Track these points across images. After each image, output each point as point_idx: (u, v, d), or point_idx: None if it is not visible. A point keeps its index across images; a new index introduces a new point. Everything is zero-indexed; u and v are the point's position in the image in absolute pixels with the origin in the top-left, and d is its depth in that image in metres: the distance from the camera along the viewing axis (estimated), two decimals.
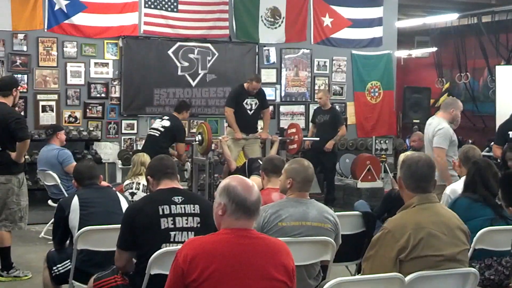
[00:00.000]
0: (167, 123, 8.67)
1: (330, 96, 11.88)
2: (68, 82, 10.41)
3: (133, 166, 6.84)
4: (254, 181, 3.02)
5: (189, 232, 3.73)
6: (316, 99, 10.74)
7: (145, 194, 6.44)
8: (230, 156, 8.78)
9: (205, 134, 8.74)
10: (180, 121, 8.85)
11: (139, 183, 6.62)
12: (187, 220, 3.76)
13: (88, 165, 5.03)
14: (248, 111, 9.30)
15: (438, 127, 6.68)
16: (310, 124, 10.78)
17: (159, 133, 8.62)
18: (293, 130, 9.81)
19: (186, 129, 10.35)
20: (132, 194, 6.57)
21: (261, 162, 8.51)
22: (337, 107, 12.20)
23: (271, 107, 11.41)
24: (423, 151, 8.52)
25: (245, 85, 9.30)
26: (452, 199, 4.79)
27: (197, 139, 8.92)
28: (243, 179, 2.91)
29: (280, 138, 9.60)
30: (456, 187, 5.12)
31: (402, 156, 4.92)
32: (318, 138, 10.05)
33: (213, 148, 9.53)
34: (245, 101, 9.29)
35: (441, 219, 3.28)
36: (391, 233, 3.19)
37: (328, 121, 10.18)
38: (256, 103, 9.37)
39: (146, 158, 6.74)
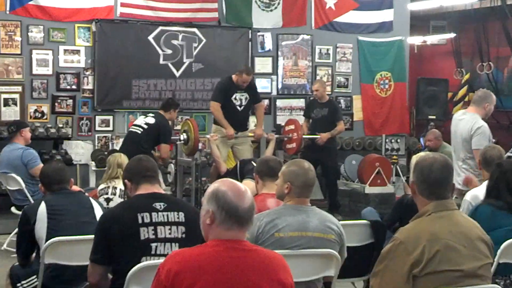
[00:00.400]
0: (151, 120, 8.69)
1: (334, 88, 11.92)
2: (34, 72, 10.40)
3: (108, 168, 6.83)
4: (247, 186, 3.03)
5: (173, 244, 3.73)
6: (313, 91, 10.62)
7: (123, 200, 6.44)
8: (219, 157, 8.77)
9: (191, 132, 8.71)
10: (166, 120, 8.87)
11: (116, 188, 6.61)
12: (170, 229, 3.76)
13: (57, 167, 5.01)
14: (238, 107, 9.24)
15: (476, 125, 6.67)
16: (303, 119, 10.64)
17: (141, 130, 8.63)
18: (292, 127, 9.81)
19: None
20: (108, 200, 6.56)
21: (255, 164, 8.58)
22: (341, 101, 12.22)
23: (266, 101, 11.44)
24: (440, 152, 8.58)
25: (234, 77, 9.20)
26: (473, 207, 4.80)
27: (181, 138, 8.90)
28: (235, 184, 2.91)
29: (276, 136, 9.60)
30: (478, 192, 5.12)
31: (415, 158, 4.92)
32: (319, 136, 10.03)
33: (200, 148, 9.52)
34: (234, 96, 9.20)
35: (460, 229, 3.28)
36: (403, 245, 3.19)
37: (326, 116, 10.14)
38: (246, 98, 9.30)
39: (123, 159, 6.73)
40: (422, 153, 5.83)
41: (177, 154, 9.23)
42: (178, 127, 10.89)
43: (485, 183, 4.98)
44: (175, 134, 9.79)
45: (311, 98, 10.63)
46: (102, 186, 6.78)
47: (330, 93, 11.83)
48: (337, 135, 10.40)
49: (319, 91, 10.18)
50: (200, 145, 9.58)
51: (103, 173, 7.09)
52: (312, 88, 10.65)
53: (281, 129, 10.37)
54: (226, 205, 2.81)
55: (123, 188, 6.28)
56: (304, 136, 9.86)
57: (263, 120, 9.77)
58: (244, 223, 2.83)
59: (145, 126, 8.63)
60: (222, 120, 9.07)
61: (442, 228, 3.24)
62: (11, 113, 10.22)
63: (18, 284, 4.60)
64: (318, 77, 12.03)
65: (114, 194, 6.61)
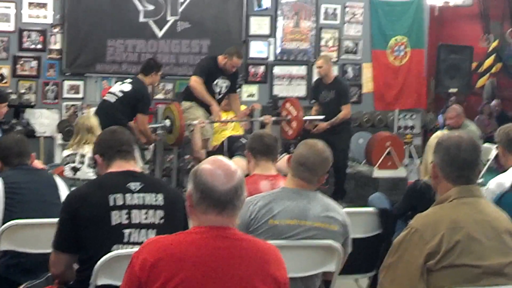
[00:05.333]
0: (127, 87, 8.62)
1: (341, 54, 11.89)
2: None
3: (76, 133, 6.82)
4: (237, 164, 3.00)
5: (149, 230, 3.73)
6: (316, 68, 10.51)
7: (92, 171, 6.44)
8: (200, 148, 8.71)
9: (176, 119, 8.58)
10: (145, 86, 8.80)
11: (84, 156, 6.63)
12: (146, 214, 3.76)
13: (16, 138, 5.01)
14: (216, 95, 9.18)
15: None
16: (313, 103, 10.58)
17: (115, 98, 8.57)
18: (288, 107, 9.70)
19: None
20: (75, 169, 6.59)
21: (243, 141, 8.58)
22: (349, 69, 12.19)
23: (262, 67, 11.43)
24: (461, 131, 8.57)
25: (220, 59, 9.12)
26: (497, 195, 4.80)
27: (164, 124, 8.80)
28: (221, 161, 2.91)
29: (273, 119, 9.50)
30: (503, 179, 5.13)
31: (435, 138, 4.91)
32: (323, 116, 9.95)
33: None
34: (216, 82, 9.15)
35: (486, 218, 3.28)
36: (419, 233, 3.19)
37: (334, 99, 10.00)
38: (227, 86, 9.26)
39: (93, 121, 6.74)
40: (440, 133, 5.83)
41: (158, 135, 9.16)
42: (159, 95, 10.89)
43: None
44: (155, 106, 9.77)
45: (317, 79, 10.50)
46: (67, 152, 6.77)
47: (336, 60, 11.80)
48: (338, 122, 10.05)
49: (322, 68, 10.01)
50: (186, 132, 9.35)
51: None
52: (316, 64, 10.49)
53: (277, 101, 10.34)
54: (201, 185, 2.82)
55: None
56: (305, 118, 9.77)
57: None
58: (222, 207, 2.81)
59: (120, 94, 8.57)
60: (206, 95, 8.96)
61: (465, 216, 3.24)
62: None
63: None
64: (323, 42, 12.01)
65: (82, 163, 6.63)
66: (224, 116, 9.30)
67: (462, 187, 3.32)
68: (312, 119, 10.00)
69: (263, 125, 9.23)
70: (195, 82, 9.04)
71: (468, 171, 3.33)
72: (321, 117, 9.91)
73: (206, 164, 2.87)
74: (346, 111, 10.00)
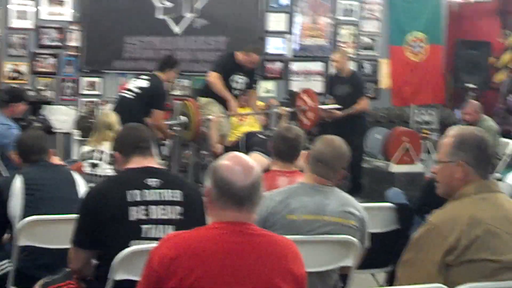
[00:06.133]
0: (144, 84, 8.63)
1: (358, 50, 11.86)
2: (11, 25, 10.42)
3: (95, 130, 6.86)
4: (254, 160, 3.00)
5: (167, 226, 3.73)
6: (332, 62, 10.52)
7: (110, 167, 6.47)
8: (216, 142, 8.74)
9: (193, 114, 8.61)
10: (161, 82, 8.80)
11: (103, 152, 6.65)
12: (164, 210, 3.76)
13: (35, 135, 5.03)
14: (234, 91, 9.19)
15: None
16: (329, 98, 10.52)
17: (133, 95, 8.59)
18: (305, 97, 9.70)
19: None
20: (93, 165, 6.61)
21: (261, 136, 8.58)
22: (366, 65, 12.17)
23: (279, 64, 11.42)
24: (479, 126, 8.54)
25: (239, 55, 9.14)
26: None
27: (180, 121, 8.82)
28: (239, 157, 2.91)
29: (288, 110, 9.50)
30: None
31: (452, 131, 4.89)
32: (339, 106, 9.95)
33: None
34: (233, 77, 9.16)
35: (505, 214, 3.27)
36: (437, 230, 3.18)
37: (350, 94, 10.00)
38: (245, 83, 9.27)
39: (112, 119, 6.78)
40: (460, 127, 5.81)
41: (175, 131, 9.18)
42: (177, 91, 10.90)
43: None
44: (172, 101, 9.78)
45: (333, 73, 10.51)
46: (87, 148, 6.81)
47: (354, 56, 11.79)
48: (355, 113, 10.09)
49: (339, 62, 10.05)
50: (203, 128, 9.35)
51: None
52: (332, 58, 10.53)
53: (295, 96, 10.32)
54: (220, 181, 2.82)
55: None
56: (321, 107, 9.77)
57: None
58: (241, 203, 2.82)
59: (137, 91, 8.58)
60: (224, 91, 8.99)
61: (484, 211, 3.23)
62: None
63: None
64: (340, 38, 11.98)
65: (101, 160, 6.66)
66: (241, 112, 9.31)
67: (480, 182, 3.31)
68: (328, 109, 10.01)
69: (279, 117, 9.24)
70: (214, 77, 9.04)
71: (490, 165, 3.34)
72: (337, 106, 9.91)
73: (225, 160, 2.87)
74: (363, 103, 10.04)
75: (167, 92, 9.38)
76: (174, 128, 8.95)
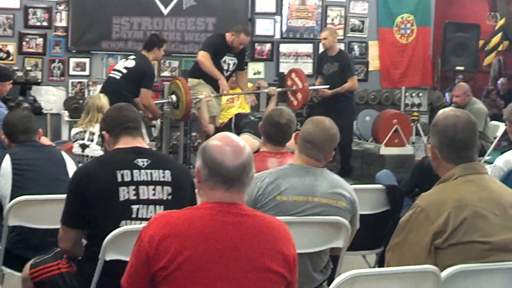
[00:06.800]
0: (131, 64, 8.63)
1: (347, 32, 11.84)
2: None
3: (87, 112, 6.87)
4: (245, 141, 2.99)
5: (157, 206, 3.73)
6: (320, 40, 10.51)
7: (100, 148, 6.48)
8: (207, 121, 8.73)
9: (182, 94, 8.57)
10: (148, 61, 8.79)
11: (93, 134, 6.67)
12: (154, 190, 3.75)
13: (22, 114, 5.00)
14: (224, 72, 9.17)
15: None
16: (318, 77, 10.58)
17: (120, 75, 8.58)
18: (294, 77, 9.71)
19: (156, 72, 10.31)
20: (83, 146, 6.62)
21: (252, 118, 8.58)
22: (355, 47, 12.16)
23: (268, 45, 11.41)
24: (469, 109, 8.56)
25: (228, 36, 9.13)
26: (505, 172, 4.80)
27: (170, 100, 8.80)
28: (230, 138, 2.90)
29: (278, 90, 9.51)
30: (510, 157, 5.13)
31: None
32: (328, 86, 9.96)
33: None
34: (223, 59, 9.15)
35: (492, 195, 3.28)
36: (425, 213, 3.19)
37: (337, 72, 10.01)
38: (234, 64, 9.27)
39: (103, 101, 6.78)
40: (446, 110, 5.81)
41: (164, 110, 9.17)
42: (166, 73, 10.87)
43: None
44: (161, 83, 9.75)
45: (321, 52, 10.52)
46: (77, 130, 6.83)
47: (342, 37, 11.77)
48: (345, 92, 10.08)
49: (327, 39, 10.02)
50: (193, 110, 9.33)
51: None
52: (320, 36, 10.53)
53: (284, 78, 10.32)
54: (210, 161, 2.81)
55: None
56: (310, 88, 9.77)
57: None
58: (231, 184, 2.81)
59: (124, 71, 8.56)
60: (213, 70, 8.97)
61: (470, 193, 3.24)
62: None
63: None
64: (329, 19, 11.97)
65: (91, 141, 6.67)
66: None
67: (465, 164, 3.31)
68: (317, 89, 10.01)
69: (268, 96, 9.23)
70: (203, 56, 9.02)
71: (467, 151, 3.33)
72: (326, 86, 9.92)
73: (215, 141, 2.86)
74: (351, 82, 10.01)
75: (154, 71, 9.35)
76: (164, 108, 8.94)
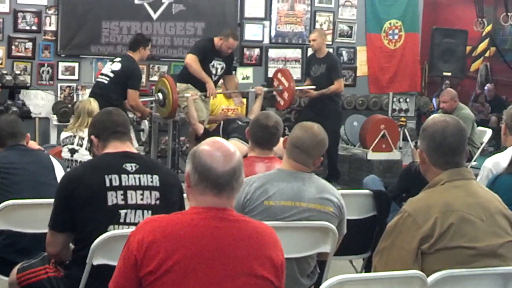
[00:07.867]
0: (117, 66, 8.63)
1: (335, 37, 11.86)
2: None
3: (77, 116, 6.86)
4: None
5: (145, 211, 3.74)
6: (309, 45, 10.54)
7: (89, 153, 6.47)
8: (196, 120, 8.74)
9: (169, 92, 8.58)
10: (134, 62, 8.79)
11: (83, 138, 6.66)
12: (142, 195, 3.76)
13: (9, 119, 4.99)
14: (212, 76, 9.20)
15: None
16: (306, 78, 10.64)
17: (108, 79, 8.58)
18: (280, 77, 9.73)
19: (144, 76, 10.30)
20: (72, 151, 6.61)
21: (240, 123, 8.59)
22: (344, 52, 12.18)
23: (257, 50, 11.41)
24: (456, 114, 8.58)
25: (216, 41, 9.15)
26: (493, 175, 4.79)
27: (156, 97, 8.81)
28: (220, 143, 2.90)
29: (265, 89, 9.54)
30: (500, 159, 5.08)
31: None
32: (314, 86, 9.99)
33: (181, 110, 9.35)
34: (212, 63, 9.19)
35: (478, 201, 3.29)
36: (412, 218, 3.20)
37: (325, 74, 10.06)
38: (222, 68, 9.31)
39: (94, 105, 6.77)
40: (434, 116, 5.83)
41: (152, 109, 9.18)
42: (154, 77, 10.85)
43: (510, 149, 4.98)
44: (150, 87, 9.74)
45: (311, 53, 10.55)
46: (66, 134, 6.81)
47: (330, 43, 11.78)
48: (330, 94, 10.09)
49: (316, 41, 10.08)
50: (181, 108, 9.38)
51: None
52: (310, 37, 10.57)
53: (271, 83, 10.34)
54: (200, 166, 2.81)
55: None
56: (296, 88, 9.80)
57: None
58: (221, 189, 2.81)
59: (111, 75, 8.57)
60: (201, 72, 8.98)
61: (457, 199, 3.25)
62: None
63: None
64: (317, 25, 11.96)
65: (81, 146, 6.66)
66: (219, 98, 9.33)
67: (452, 170, 3.32)
68: (303, 89, 10.06)
69: (255, 95, 9.26)
70: (191, 59, 9.04)
71: (455, 156, 3.34)
72: (313, 87, 9.97)
73: (205, 146, 2.86)
74: (338, 84, 10.04)
75: (141, 72, 9.33)
76: (152, 106, 8.96)
